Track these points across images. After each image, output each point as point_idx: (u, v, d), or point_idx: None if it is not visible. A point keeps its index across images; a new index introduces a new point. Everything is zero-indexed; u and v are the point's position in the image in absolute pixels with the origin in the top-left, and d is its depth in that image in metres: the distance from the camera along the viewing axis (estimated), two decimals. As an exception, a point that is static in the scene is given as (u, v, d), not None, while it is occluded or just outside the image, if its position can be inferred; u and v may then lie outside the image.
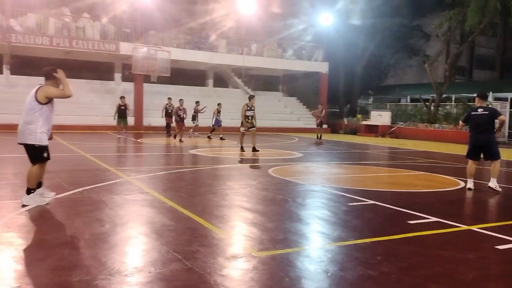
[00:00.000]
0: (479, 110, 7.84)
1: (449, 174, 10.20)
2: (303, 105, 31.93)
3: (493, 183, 7.78)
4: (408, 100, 35.14)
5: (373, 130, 27.48)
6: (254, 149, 13.32)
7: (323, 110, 20.67)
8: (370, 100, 36.21)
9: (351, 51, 32.83)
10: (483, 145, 7.78)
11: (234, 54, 27.60)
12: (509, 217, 6.33)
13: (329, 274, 3.66)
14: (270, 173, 9.28)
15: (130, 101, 21.60)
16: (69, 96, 5.61)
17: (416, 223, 5.39)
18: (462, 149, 18.06)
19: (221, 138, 18.89)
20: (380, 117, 27.92)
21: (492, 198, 7.39)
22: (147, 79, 24.68)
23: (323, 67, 30.22)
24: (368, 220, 5.69)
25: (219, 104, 19.71)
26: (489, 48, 40.50)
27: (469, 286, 3.48)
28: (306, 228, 5.19)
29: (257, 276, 3.57)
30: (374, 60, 35.14)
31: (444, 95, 27.25)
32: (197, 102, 20.22)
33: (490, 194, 7.61)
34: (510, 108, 26.02)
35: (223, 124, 19.99)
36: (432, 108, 26.68)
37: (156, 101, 23.93)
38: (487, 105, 7.94)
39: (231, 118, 25.91)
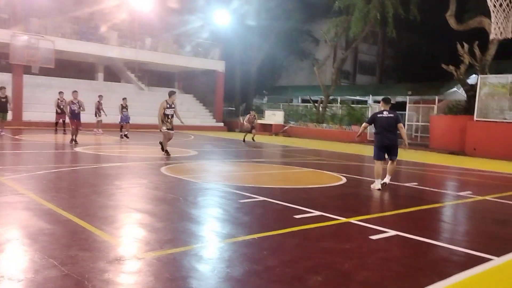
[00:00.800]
0: (385, 113, 8.21)
1: (334, 170, 10.88)
2: (200, 102, 31.82)
3: (388, 179, 8.29)
4: (300, 101, 36.95)
5: (267, 128, 28.37)
6: (164, 150, 11.87)
7: (255, 115, 19.96)
8: (265, 99, 37.34)
9: (247, 51, 33.52)
10: (389, 144, 8.17)
11: (127, 47, 26.50)
12: (382, 209, 6.94)
13: (215, 272, 3.66)
14: (163, 172, 9.06)
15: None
16: None
17: (302, 217, 5.64)
18: (346, 147, 19.47)
19: (125, 135, 17.88)
20: (274, 117, 28.92)
21: (370, 193, 8.03)
22: (27, 70, 22.58)
23: (219, 66, 30.39)
24: (257, 216, 5.82)
25: (124, 99, 18.63)
26: (371, 55, 44.20)
27: (345, 275, 3.72)
28: (196, 226, 5.14)
29: (140, 278, 3.44)
30: (268, 61, 36.25)
31: (331, 97, 29.09)
32: (99, 96, 19.25)
33: (369, 189, 8.26)
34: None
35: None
36: (320, 109, 28.31)
37: (38, 95, 22.06)
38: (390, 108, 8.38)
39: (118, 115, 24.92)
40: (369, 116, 8.58)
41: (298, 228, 5.11)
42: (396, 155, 8.33)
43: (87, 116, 19.50)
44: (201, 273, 3.61)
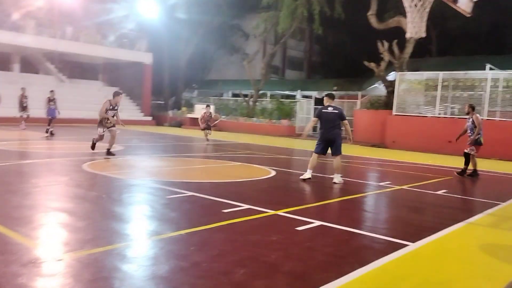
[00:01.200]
0: (329, 108, 8.38)
1: (263, 164, 11.02)
2: (126, 96, 30.70)
3: (337, 178, 8.37)
4: (230, 95, 36.99)
5: (197, 123, 28.02)
6: (108, 152, 10.76)
7: (211, 113, 18.34)
8: (195, 93, 36.94)
9: (176, 43, 32.90)
10: (331, 138, 8.35)
11: (46, 37, 24.88)
12: (309, 201, 7.14)
13: (140, 271, 3.55)
14: (85, 168, 8.63)
15: None
16: None
17: (230, 211, 5.64)
18: (275, 141, 19.82)
19: (50, 132, 16.02)
20: (204, 111, 28.62)
21: (298, 185, 8.23)
22: None
23: (146, 58, 29.55)
24: (185, 212, 5.74)
25: (52, 91, 17.15)
26: (299, 50, 45.24)
27: (272, 266, 3.78)
28: (120, 225, 4.95)
29: (58, 281, 3.24)
30: (198, 54, 35.85)
31: (260, 91, 29.44)
32: (22, 89, 17.79)
33: (297, 181, 8.46)
34: (315, 105, 29.51)
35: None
36: (250, 103, 28.55)
37: None
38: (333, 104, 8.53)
39: (42, 108, 23.48)
40: (314, 111, 8.65)
41: (227, 222, 5.10)
42: (339, 151, 8.43)
43: (5, 110, 18.17)
44: (124, 273, 3.49)
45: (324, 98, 8.68)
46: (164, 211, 5.64)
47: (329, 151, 8.53)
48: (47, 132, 16.10)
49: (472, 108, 10.32)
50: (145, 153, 12.94)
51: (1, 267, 3.39)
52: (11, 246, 3.94)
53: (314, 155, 8.48)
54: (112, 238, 4.38)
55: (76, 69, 29.95)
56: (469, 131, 10.32)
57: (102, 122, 10.76)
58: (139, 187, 7.26)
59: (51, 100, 16.85)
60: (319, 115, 8.48)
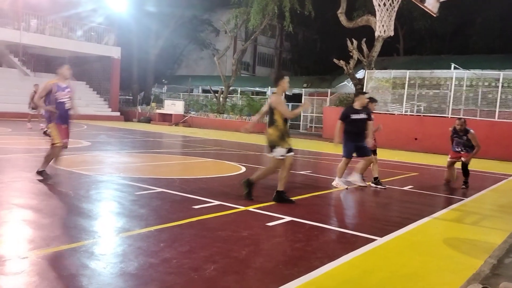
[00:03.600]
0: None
1: (233, 160, 11.00)
2: (93, 90, 30.04)
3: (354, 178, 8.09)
4: (200, 91, 36.74)
5: (167, 118, 27.76)
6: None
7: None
8: (164, 89, 36.48)
9: (146, 38, 32.39)
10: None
11: (9, 28, 24.00)
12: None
13: (108, 268, 3.48)
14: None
15: None
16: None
17: (201, 207, 5.61)
18: (246, 137, 19.82)
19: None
20: (174, 106, 28.38)
21: (268, 181, 8.26)
22: None
23: (115, 52, 28.94)
24: (155, 208, 5.67)
25: (36, 85, 15.81)
26: (269, 47, 45.39)
27: (242, 262, 3.78)
28: (87, 221, 4.84)
29: (23, 279, 3.14)
30: (168, 49, 35.45)
31: (231, 88, 29.37)
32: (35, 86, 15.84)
33: (268, 177, 8.48)
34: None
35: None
36: (221, 99, 28.44)
37: None
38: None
39: (5, 102, 22.72)
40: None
41: (197, 218, 5.08)
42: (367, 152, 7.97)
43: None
44: (92, 270, 3.42)
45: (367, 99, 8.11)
46: (132, 208, 5.56)
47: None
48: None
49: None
50: (113, 149, 12.69)
51: (-39, 266, 3.26)
52: (-28, 244, 3.79)
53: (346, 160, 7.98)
54: (79, 235, 4.28)
55: (41, 62, 29.03)
56: (461, 148, 8.82)
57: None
58: (107, 183, 7.12)
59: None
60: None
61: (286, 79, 6.27)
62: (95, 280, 3.23)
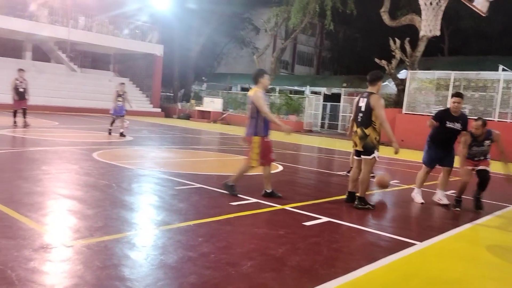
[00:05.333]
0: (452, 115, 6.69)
1: (271, 158, 10.99)
2: (136, 87, 30.86)
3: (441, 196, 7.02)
4: (239, 89, 36.97)
5: (205, 116, 28.13)
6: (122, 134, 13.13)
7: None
8: (204, 86, 36.95)
9: (187, 35, 32.90)
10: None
11: (59, 26, 25.01)
12: (316, 196, 7.13)
13: (148, 259, 3.59)
14: (95, 157, 8.71)
15: None
16: None
17: (238, 204, 5.67)
18: (283, 136, 19.77)
19: (120, 134, 13.30)
20: (213, 104, 28.71)
21: (306, 180, 8.25)
22: None
23: (157, 49, 29.61)
24: (193, 203, 5.78)
25: (122, 84, 13.96)
26: (309, 46, 45.09)
27: (279, 260, 3.80)
28: (129, 213, 5.00)
29: (68, 267, 3.29)
30: (208, 47, 35.86)
31: (269, 86, 29.38)
32: (121, 85, 14.06)
33: (304, 176, 8.47)
34: (324, 101, 29.42)
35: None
36: (259, 97, 28.48)
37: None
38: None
39: (53, 97, 23.69)
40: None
41: (234, 215, 5.13)
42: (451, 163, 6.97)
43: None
44: (133, 261, 3.53)
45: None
46: (172, 202, 5.68)
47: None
48: (110, 132, 13.51)
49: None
50: (154, 144, 13.00)
51: (13, 251, 3.45)
52: (23, 231, 4.00)
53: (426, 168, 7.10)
54: (122, 226, 4.43)
55: (88, 59, 30.11)
56: (481, 156, 6.72)
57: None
58: (148, 177, 7.31)
59: (120, 95, 13.57)
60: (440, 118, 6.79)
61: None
62: (137, 271, 3.34)
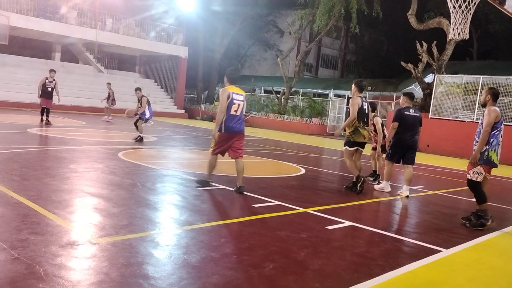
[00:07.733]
0: (411, 110, 7.41)
1: (293, 161, 10.99)
2: (161, 88, 31.28)
3: (406, 191, 7.55)
4: (262, 91, 37.02)
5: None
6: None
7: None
8: (227, 88, 37.11)
9: (211, 37, 33.16)
10: (412, 145, 7.39)
11: (87, 27, 25.58)
12: (339, 200, 7.08)
13: (172, 258, 3.63)
14: (120, 157, 8.86)
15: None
16: None
17: (260, 206, 5.68)
18: (306, 139, 19.73)
19: (139, 139, 12.10)
20: (236, 106, 28.75)
21: (328, 184, 8.19)
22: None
23: (182, 51, 29.93)
24: (216, 204, 5.82)
25: (138, 89, 12.94)
26: (333, 49, 44.79)
27: (301, 263, 3.79)
28: (153, 213, 5.06)
29: (94, 264, 3.36)
30: (232, 49, 36.05)
31: (293, 89, 29.33)
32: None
33: (326, 180, 8.42)
34: (347, 105, 29.15)
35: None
36: (282, 100, 28.50)
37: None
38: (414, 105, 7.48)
39: (81, 97, 24.16)
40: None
41: (257, 216, 5.14)
42: (413, 160, 7.52)
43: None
44: (157, 260, 3.57)
45: (402, 98, 7.60)
46: (195, 202, 5.73)
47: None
48: (137, 140, 11.99)
49: None
50: (177, 145, 13.14)
51: (41, 247, 3.54)
52: (51, 227, 4.10)
53: (390, 164, 7.62)
54: (146, 225, 4.49)
55: (115, 60, 30.68)
56: None
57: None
58: (171, 177, 7.39)
59: (138, 100, 12.75)
60: (400, 118, 7.30)
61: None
62: (160, 269, 3.38)
